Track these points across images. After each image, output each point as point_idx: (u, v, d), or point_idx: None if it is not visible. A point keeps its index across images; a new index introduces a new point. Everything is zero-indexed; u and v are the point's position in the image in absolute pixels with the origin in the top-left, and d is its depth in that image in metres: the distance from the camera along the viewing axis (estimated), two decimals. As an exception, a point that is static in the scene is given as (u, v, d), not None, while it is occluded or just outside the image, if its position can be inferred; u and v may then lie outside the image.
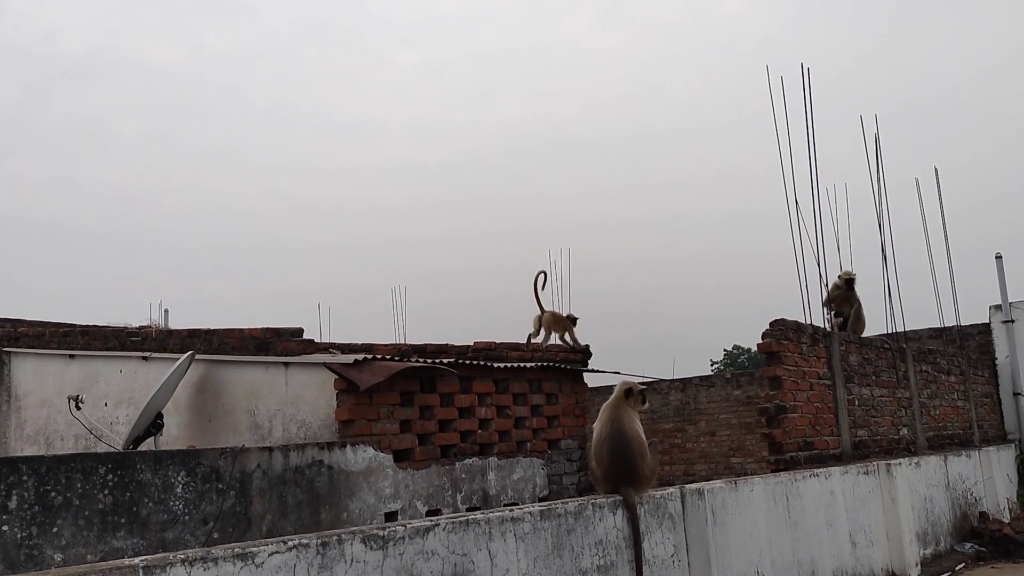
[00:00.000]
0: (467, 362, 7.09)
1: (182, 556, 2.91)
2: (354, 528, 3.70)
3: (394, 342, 8.75)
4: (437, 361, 6.75)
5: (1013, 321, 13.49)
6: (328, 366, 6.17)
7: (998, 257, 13.62)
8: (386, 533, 3.62)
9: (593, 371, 8.57)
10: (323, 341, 9.81)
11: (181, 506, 5.14)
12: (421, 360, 6.75)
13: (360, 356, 6.30)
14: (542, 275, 8.23)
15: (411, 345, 7.89)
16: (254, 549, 3.12)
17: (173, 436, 7.21)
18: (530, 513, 4.31)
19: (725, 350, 47.13)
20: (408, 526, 3.74)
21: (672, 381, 17.69)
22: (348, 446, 6.02)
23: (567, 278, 10.87)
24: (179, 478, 5.15)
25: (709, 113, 72.44)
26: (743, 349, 44.92)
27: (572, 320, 8.41)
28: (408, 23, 73.63)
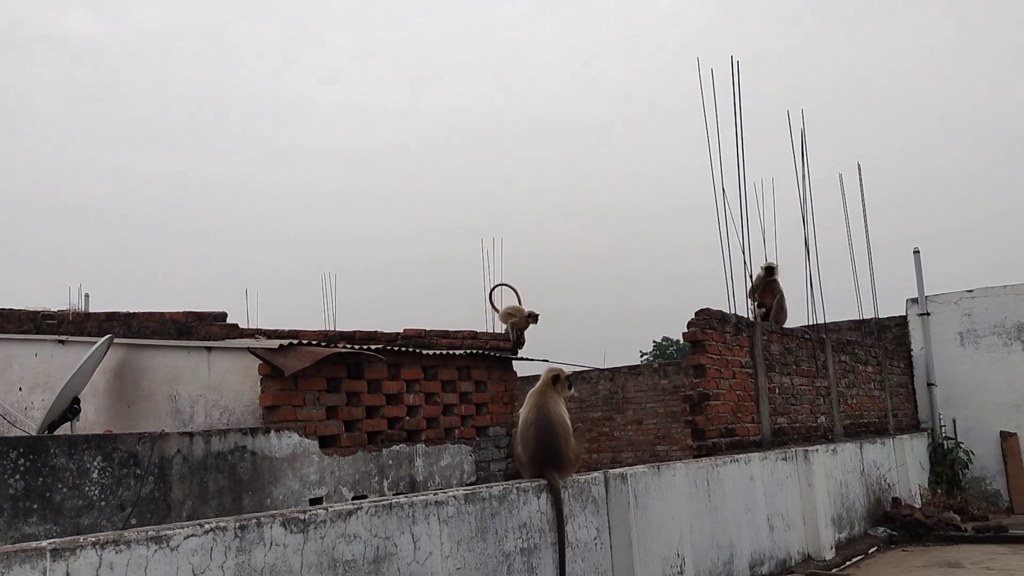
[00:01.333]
0: (396, 349, 7.06)
1: (93, 539, 2.85)
2: (274, 511, 3.67)
3: (320, 329, 8.66)
4: (365, 347, 6.71)
5: (928, 314, 14.01)
6: (252, 351, 6.08)
7: (916, 252, 14.13)
8: (307, 516, 3.60)
9: (522, 359, 8.63)
10: (249, 327, 9.64)
11: (97, 492, 5.01)
12: (348, 346, 6.70)
13: (285, 342, 6.23)
14: (499, 288, 8.97)
15: (339, 332, 7.82)
16: (169, 532, 3.07)
17: (90, 422, 7.02)
18: (454, 497, 4.33)
19: (655, 341, 47.85)
20: (330, 509, 3.72)
21: (601, 370, 17.90)
22: (272, 432, 5.95)
23: (499, 268, 10.92)
24: (95, 463, 5.02)
25: (643, 105, 73.24)
26: (672, 340, 45.67)
27: (533, 317, 8.66)
28: (343, 4, 72.52)
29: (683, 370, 15.96)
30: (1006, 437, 13.21)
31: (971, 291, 13.78)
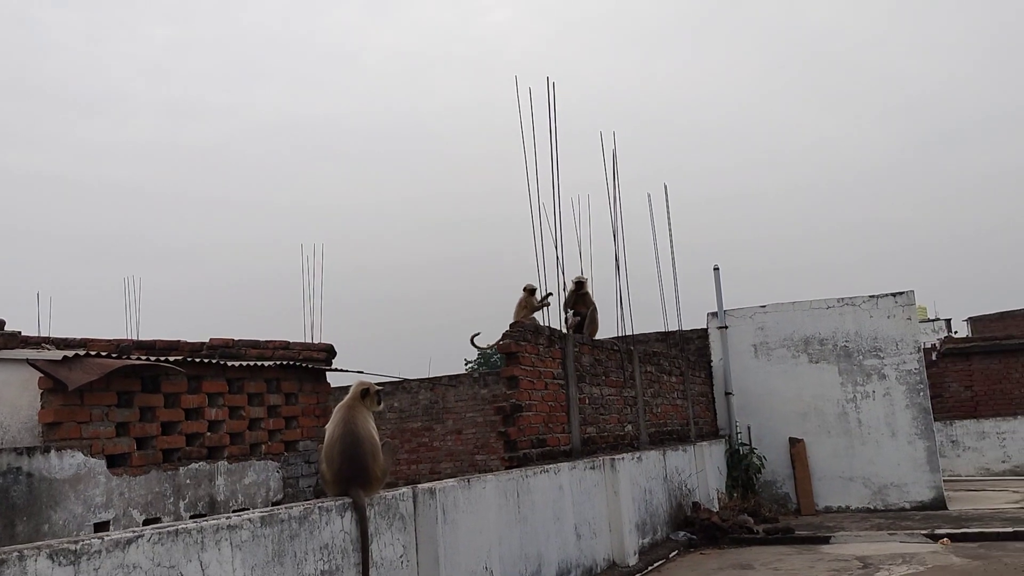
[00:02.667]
0: (197, 360, 6.69)
1: None
2: (41, 543, 3.34)
3: (119, 337, 8.09)
4: (161, 359, 6.31)
5: (727, 327, 14.92)
6: (31, 362, 5.57)
7: (716, 269, 15.02)
8: (79, 547, 3.31)
9: (335, 370, 8.42)
10: (37, 335, 8.87)
11: None
12: (143, 358, 6.28)
13: (71, 352, 5.75)
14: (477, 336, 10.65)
15: (135, 341, 7.34)
16: (-95, 574, 2.72)
17: None
18: (249, 520, 4.12)
19: (479, 349, 48.26)
20: (106, 538, 3.43)
21: (421, 380, 17.84)
22: (52, 451, 5.46)
23: (319, 277, 10.64)
24: None
25: (475, 117, 74.09)
26: (498, 348, 46.23)
27: (528, 291, 9.96)
28: (160, -1, 68.69)
29: (502, 380, 16.16)
30: (794, 443, 14.26)
31: (764, 307, 14.81)
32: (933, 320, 30.64)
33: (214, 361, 6.91)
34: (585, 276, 10.56)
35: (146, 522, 6.01)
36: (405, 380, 17.35)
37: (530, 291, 10.07)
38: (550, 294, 10.05)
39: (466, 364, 47.07)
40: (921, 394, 13.95)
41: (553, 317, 10.12)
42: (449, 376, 18.42)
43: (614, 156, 11.38)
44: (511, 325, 8.35)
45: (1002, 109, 65.74)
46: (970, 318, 30.17)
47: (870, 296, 14.41)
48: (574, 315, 10.81)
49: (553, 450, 8.65)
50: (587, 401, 9.67)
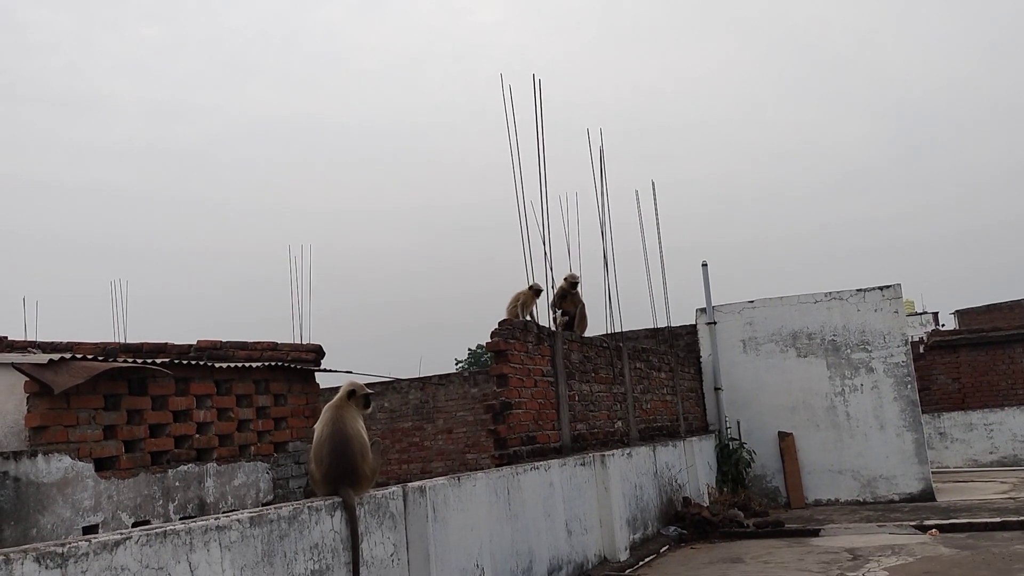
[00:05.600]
0: (184, 362, 6.67)
1: None
2: (27, 546, 3.33)
3: (106, 341, 8.06)
4: (148, 361, 6.29)
5: (715, 323, 14.96)
6: (16, 366, 5.54)
7: (704, 265, 15.06)
8: (66, 550, 3.29)
9: (324, 370, 8.41)
10: (23, 339, 8.83)
11: None
12: (130, 360, 6.26)
13: (56, 356, 5.72)
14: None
15: (122, 344, 7.32)
16: None
17: None
18: (238, 521, 4.12)
19: (469, 349, 48.33)
20: (94, 541, 3.42)
21: (411, 380, 17.83)
22: (39, 455, 5.44)
23: (307, 279, 10.62)
24: None
25: (463, 113, 74.04)
26: (487, 347, 46.27)
27: (534, 290, 9.73)
28: (150, -4, 68.22)
29: (492, 378, 16.16)
30: (783, 437, 14.32)
31: (752, 302, 14.86)
32: (921, 314, 30.75)
33: (202, 363, 6.89)
34: (578, 275, 10.57)
35: (135, 525, 5.99)
36: (395, 380, 17.34)
37: (536, 291, 9.86)
38: (540, 290, 10.01)
39: (456, 363, 47.11)
40: (909, 387, 14.03)
41: (542, 314, 10.13)
42: (439, 375, 18.43)
43: (601, 154, 11.40)
44: (500, 323, 8.36)
45: (991, 109, 66.24)
46: (957, 311, 30.32)
47: (857, 290, 14.48)
48: (562, 314, 10.81)
49: (543, 447, 8.66)
50: (577, 398, 9.68)
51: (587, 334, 10.96)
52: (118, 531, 3.73)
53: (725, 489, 13.62)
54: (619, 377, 11.11)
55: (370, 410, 5.44)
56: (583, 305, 10.89)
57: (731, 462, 14.09)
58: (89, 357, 6.05)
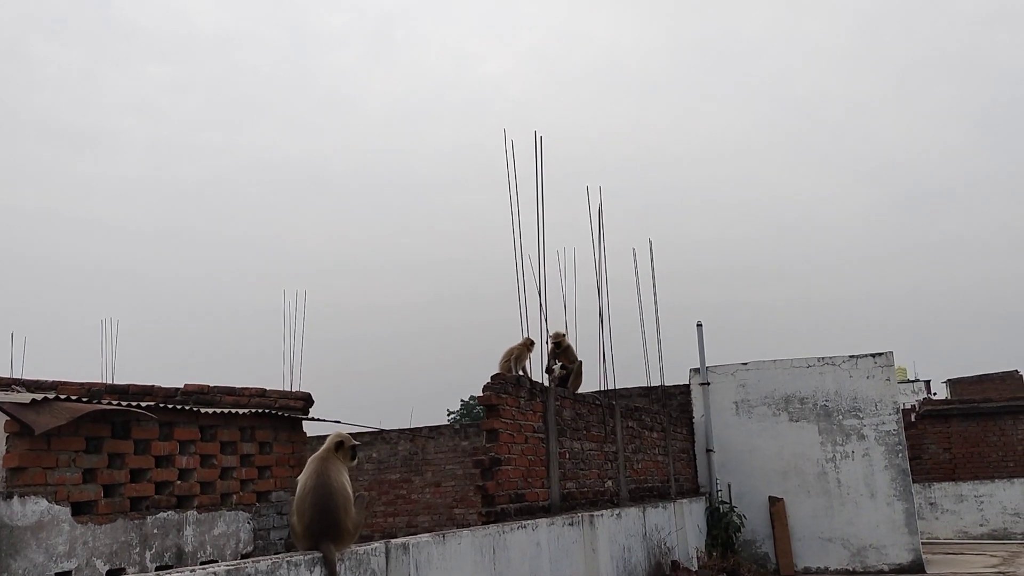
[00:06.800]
0: (170, 406, 6.57)
1: None
2: (-5, 596, 3.22)
3: (92, 381, 7.96)
4: (133, 404, 6.19)
5: (709, 383, 14.89)
6: (-2, 406, 5.44)
7: (699, 325, 15.05)
8: (34, 601, 3.18)
9: (312, 419, 8.30)
10: (8, 377, 8.71)
11: None
12: (115, 403, 6.16)
13: (40, 395, 5.62)
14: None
15: (108, 385, 7.21)
16: None
17: None
18: (214, 573, 4.00)
19: (462, 400, 48.02)
20: (64, 592, 3.31)
21: (401, 431, 17.65)
22: (16, 497, 5.31)
23: (301, 322, 10.56)
24: None
25: (465, 166, 74.70)
26: (479, 400, 45.96)
27: (528, 343, 9.46)
28: (158, 35, 69.02)
29: (483, 432, 15.98)
30: (774, 502, 14.15)
31: (746, 364, 14.81)
32: (913, 381, 30.76)
33: (188, 407, 6.79)
34: (563, 331, 10.52)
35: (110, 573, 5.84)
36: (383, 431, 17.15)
37: (528, 344, 9.71)
38: (532, 343, 9.91)
39: (449, 414, 46.75)
40: (900, 455, 13.92)
41: (535, 369, 10.05)
42: (430, 427, 18.23)
43: (600, 211, 11.46)
44: (493, 377, 8.28)
45: (982, 175, 67.10)
46: (949, 380, 30.30)
47: (850, 356, 14.45)
48: (560, 367, 10.71)
49: (532, 505, 8.51)
50: (567, 456, 9.56)
51: (581, 391, 10.87)
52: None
53: (714, 553, 13.40)
54: (611, 435, 10.99)
55: (355, 462, 5.35)
56: (580, 363, 10.83)
57: (721, 526, 13.90)
58: (73, 398, 5.95)
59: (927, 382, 30.79)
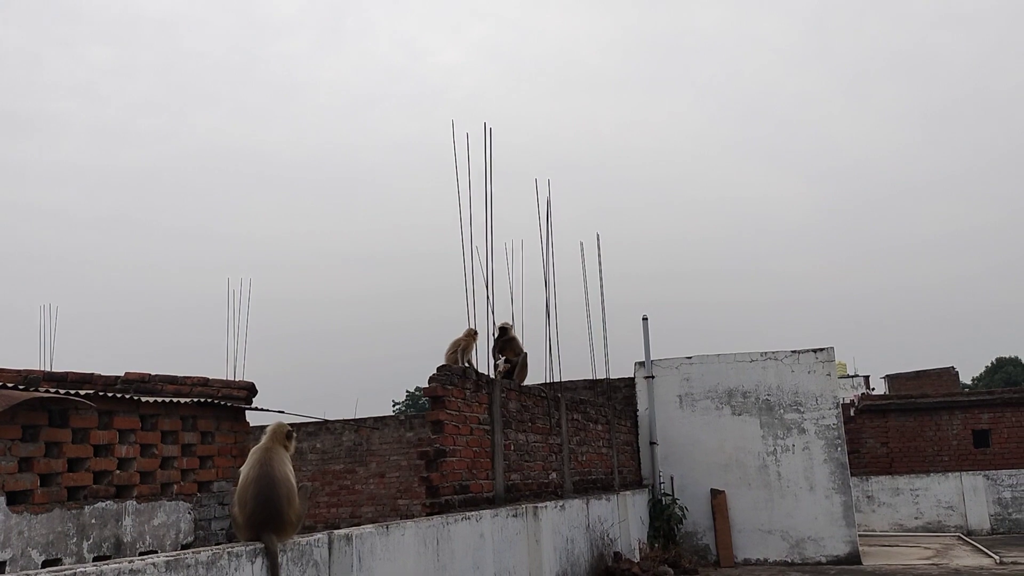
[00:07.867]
0: (109, 395, 6.46)
1: None
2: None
3: (30, 368, 7.78)
4: (72, 392, 6.08)
5: (653, 377, 15.09)
6: (-70, 393, 5.31)
7: (644, 319, 15.22)
8: (-35, 592, 3.13)
9: (255, 409, 8.22)
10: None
11: None
12: (52, 390, 6.04)
13: (-26, 383, 5.50)
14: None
15: (46, 372, 7.07)
16: None
17: None
18: (153, 564, 3.96)
19: (408, 391, 47.95)
20: (-4, 583, 3.26)
21: (345, 421, 17.55)
22: (-53, 487, 5.19)
23: (245, 312, 10.44)
24: None
25: (417, 155, 74.34)
26: (424, 392, 45.91)
27: (471, 334, 9.40)
28: (102, 17, 67.22)
29: (428, 423, 15.97)
30: (716, 494, 14.41)
31: (690, 358, 15.04)
32: (852, 376, 31.48)
33: (128, 396, 6.68)
34: (510, 322, 10.58)
35: (46, 563, 5.74)
36: (328, 421, 17.04)
37: (472, 335, 9.74)
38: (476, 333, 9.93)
39: (394, 405, 46.62)
40: (839, 449, 14.27)
41: (482, 362, 10.08)
42: (375, 418, 18.17)
43: (548, 204, 11.51)
44: (438, 368, 8.30)
45: (926, 178, 68.92)
46: (888, 375, 31.12)
47: (792, 351, 14.76)
48: (505, 361, 10.77)
49: (476, 497, 8.56)
50: (512, 447, 9.62)
51: (526, 383, 10.94)
52: (25, 572, 3.57)
53: (656, 545, 13.61)
54: (556, 428, 11.08)
55: (291, 451, 5.31)
56: (525, 355, 10.89)
57: (663, 518, 14.11)
58: (10, 385, 5.82)
59: (866, 377, 31.55)
